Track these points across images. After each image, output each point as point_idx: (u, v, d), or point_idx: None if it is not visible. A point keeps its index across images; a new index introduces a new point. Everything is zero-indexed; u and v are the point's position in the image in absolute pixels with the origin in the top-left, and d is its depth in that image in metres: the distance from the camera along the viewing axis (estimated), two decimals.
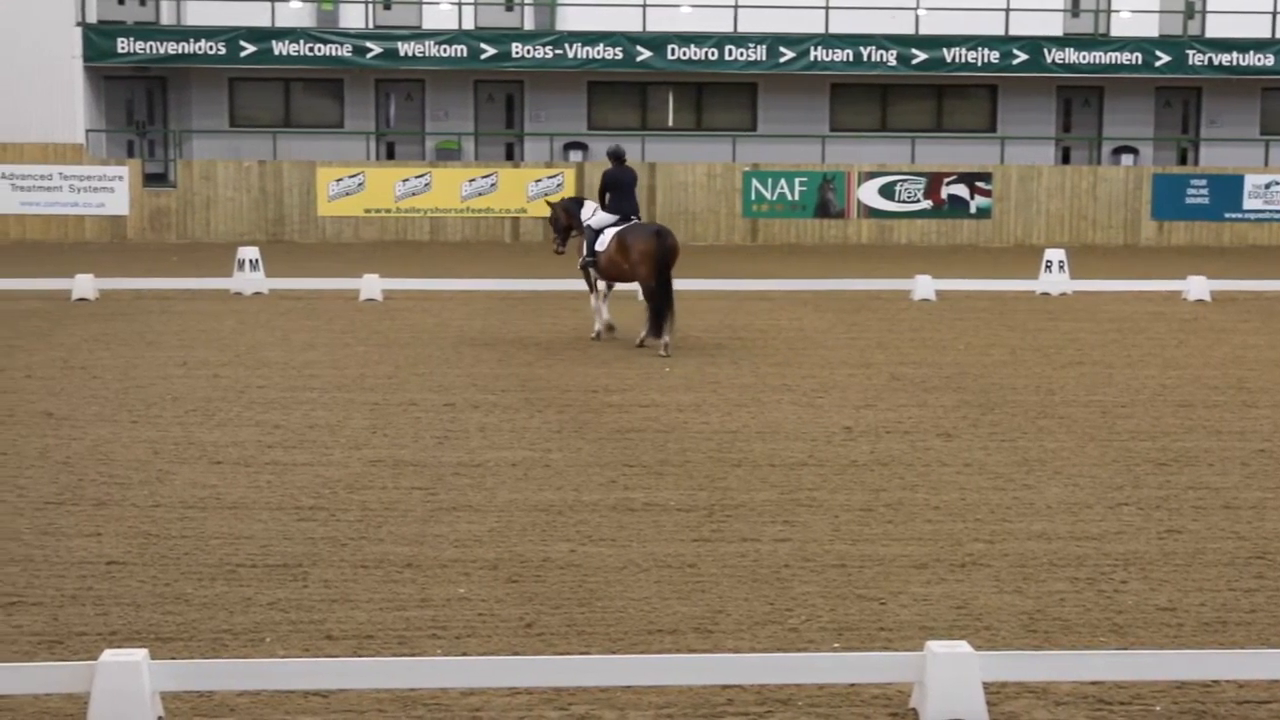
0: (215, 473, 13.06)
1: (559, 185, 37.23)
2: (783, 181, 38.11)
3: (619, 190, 21.19)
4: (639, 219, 21.21)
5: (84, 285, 24.88)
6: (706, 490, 12.53)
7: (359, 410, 15.79)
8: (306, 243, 36.19)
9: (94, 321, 22.31)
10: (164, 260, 31.50)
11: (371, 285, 25.25)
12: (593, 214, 21.32)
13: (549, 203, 22.86)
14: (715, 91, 40.59)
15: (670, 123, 40.84)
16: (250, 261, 26.04)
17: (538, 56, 38.15)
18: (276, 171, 37.11)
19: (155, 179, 37.83)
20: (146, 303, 24.39)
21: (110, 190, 36.67)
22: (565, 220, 21.94)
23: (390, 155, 40.19)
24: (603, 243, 20.70)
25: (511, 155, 40.22)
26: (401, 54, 37.89)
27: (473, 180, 37.46)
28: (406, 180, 37.30)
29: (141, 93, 39.88)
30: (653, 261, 19.80)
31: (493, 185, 37.44)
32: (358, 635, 9.10)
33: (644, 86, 40.45)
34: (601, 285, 21.20)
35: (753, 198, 38.12)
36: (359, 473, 13.08)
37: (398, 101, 40.38)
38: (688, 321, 22.73)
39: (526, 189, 37.36)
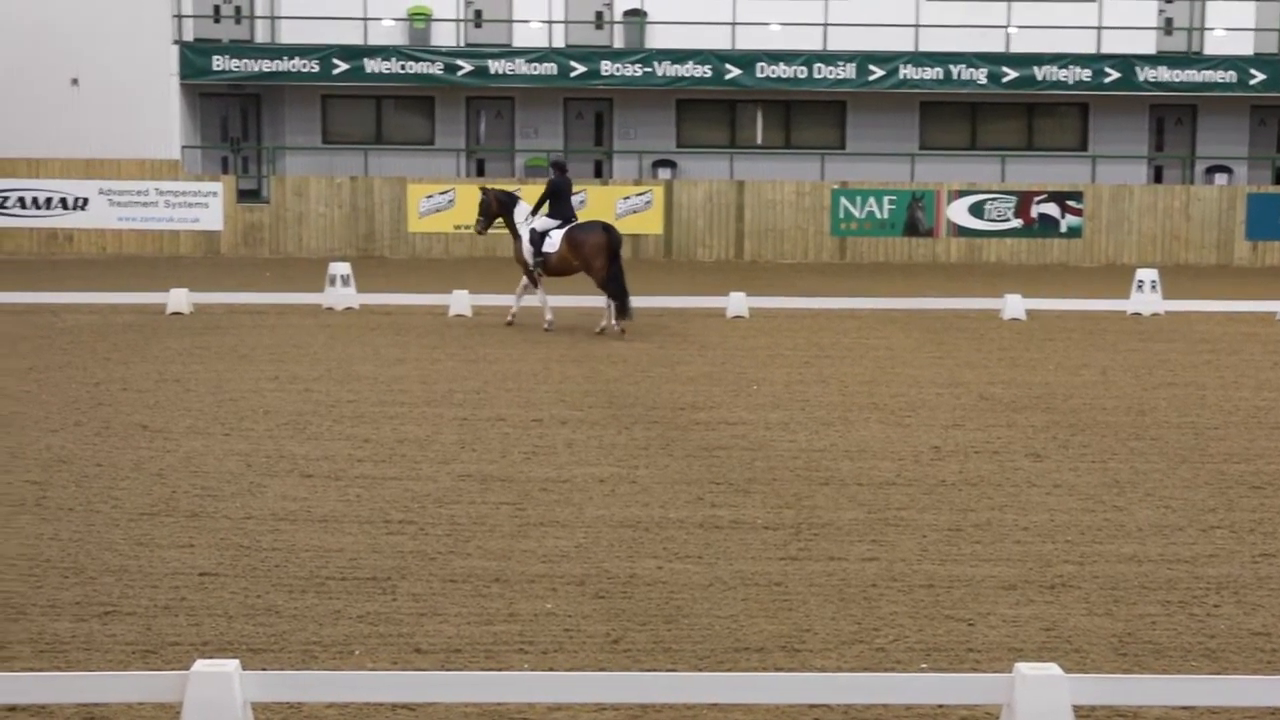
0: (306, 486, 13.16)
1: (647, 203, 37.27)
2: (871, 200, 37.96)
3: (561, 198, 23.69)
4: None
5: (179, 299, 25.16)
6: (793, 508, 12.49)
7: (448, 425, 15.85)
8: (397, 258, 36.43)
9: (188, 335, 22.56)
10: (257, 275, 31.80)
11: (461, 301, 25.37)
12: (526, 217, 23.79)
13: (483, 189, 24.84)
14: (804, 109, 40.51)
15: (759, 140, 40.79)
16: (341, 277, 26.24)
17: (627, 74, 38.24)
18: (368, 187, 37.39)
19: (249, 195, 38.21)
20: (240, 317, 24.63)
21: (205, 206, 37.10)
22: (496, 210, 24.27)
23: (480, 172, 40.38)
24: (552, 244, 23.19)
25: (600, 172, 40.31)
26: (492, 71, 38.09)
27: None
28: None
29: (236, 110, 40.32)
30: (605, 254, 22.74)
31: (581, 202, 37.51)
32: (445, 649, 9.13)
33: (733, 104, 40.43)
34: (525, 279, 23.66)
35: (841, 216, 37.99)
36: (448, 487, 13.13)
37: (488, 119, 40.59)
38: (776, 340, 22.70)
39: (615, 206, 37.41)
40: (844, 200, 37.93)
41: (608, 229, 23.32)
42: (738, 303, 25.60)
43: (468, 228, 36.94)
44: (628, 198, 37.50)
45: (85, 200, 36.98)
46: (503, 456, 14.40)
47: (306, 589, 10.22)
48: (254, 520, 11.98)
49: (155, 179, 37.07)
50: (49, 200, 37.09)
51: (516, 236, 24.13)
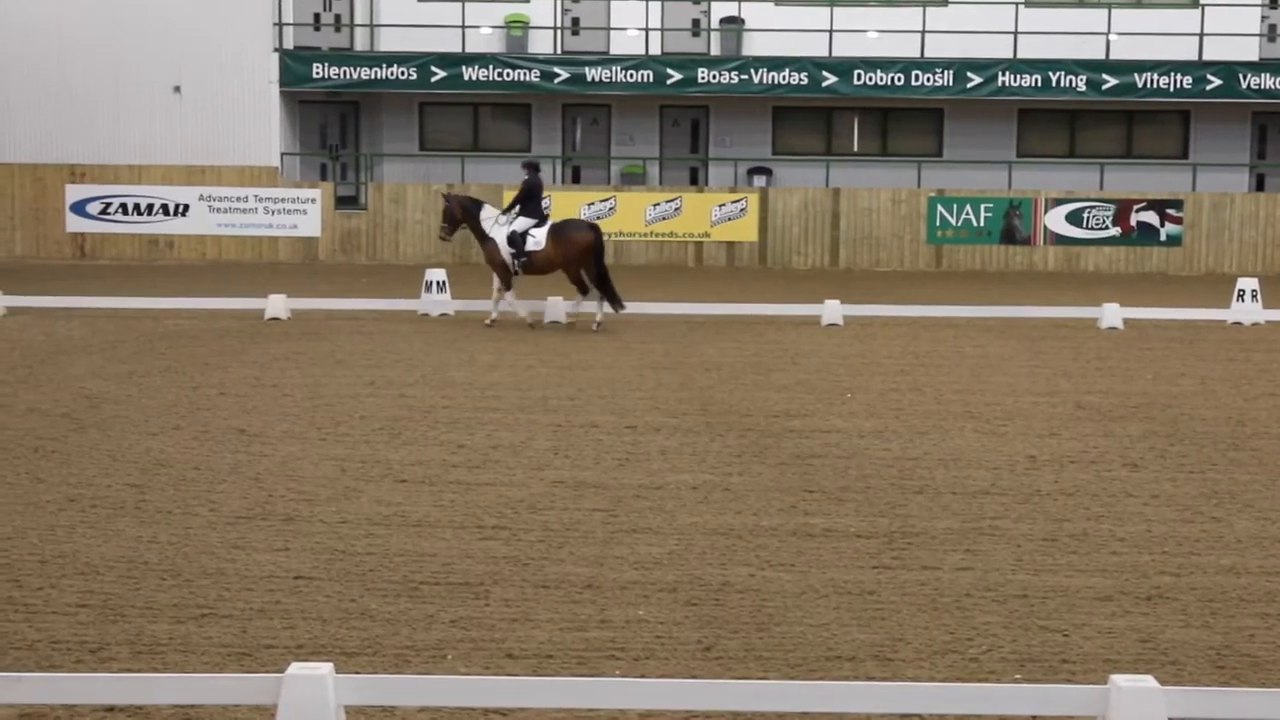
0: (401, 491, 13.24)
1: (742, 210, 37.23)
2: (968, 207, 37.71)
3: (534, 198, 24.71)
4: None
5: (277, 305, 25.41)
6: (887, 517, 12.42)
7: (542, 431, 15.90)
8: None
9: (286, 340, 22.78)
10: (354, 281, 32.06)
11: (556, 308, 25.45)
12: (497, 219, 24.76)
13: (445, 195, 25.85)
14: (901, 117, 40.32)
15: (855, 148, 40.65)
16: (437, 283, 26.41)
17: (723, 82, 38.23)
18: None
19: (346, 201, 38.55)
20: (337, 323, 24.84)
21: (303, 212, 37.48)
22: (460, 216, 25.19)
23: (576, 179, 40.53)
24: (536, 243, 24.34)
25: (696, 180, 40.33)
26: (589, 79, 38.22)
27: (657, 204, 37.62)
28: (592, 204, 37.57)
29: (335, 117, 40.69)
30: (593, 253, 24.15)
31: (677, 209, 37.56)
32: (537, 654, 9.15)
33: (829, 112, 40.32)
34: (495, 281, 24.75)
35: (937, 224, 37.78)
36: (541, 493, 13.17)
37: (584, 126, 40.73)
38: (870, 348, 22.60)
39: (710, 213, 37.42)
40: (940, 208, 37.71)
41: (594, 228, 24.77)
42: (833, 310, 25.51)
43: None
44: (723, 205, 37.49)
45: (186, 207, 37.47)
46: (596, 463, 14.41)
47: (400, 593, 10.28)
48: (349, 524, 12.07)
49: (254, 186, 37.50)
50: (150, 206, 37.62)
51: (485, 240, 24.94)
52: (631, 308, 25.76)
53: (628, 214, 37.50)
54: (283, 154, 38.14)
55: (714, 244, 37.46)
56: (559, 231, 24.59)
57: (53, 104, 37.81)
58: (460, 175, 38.89)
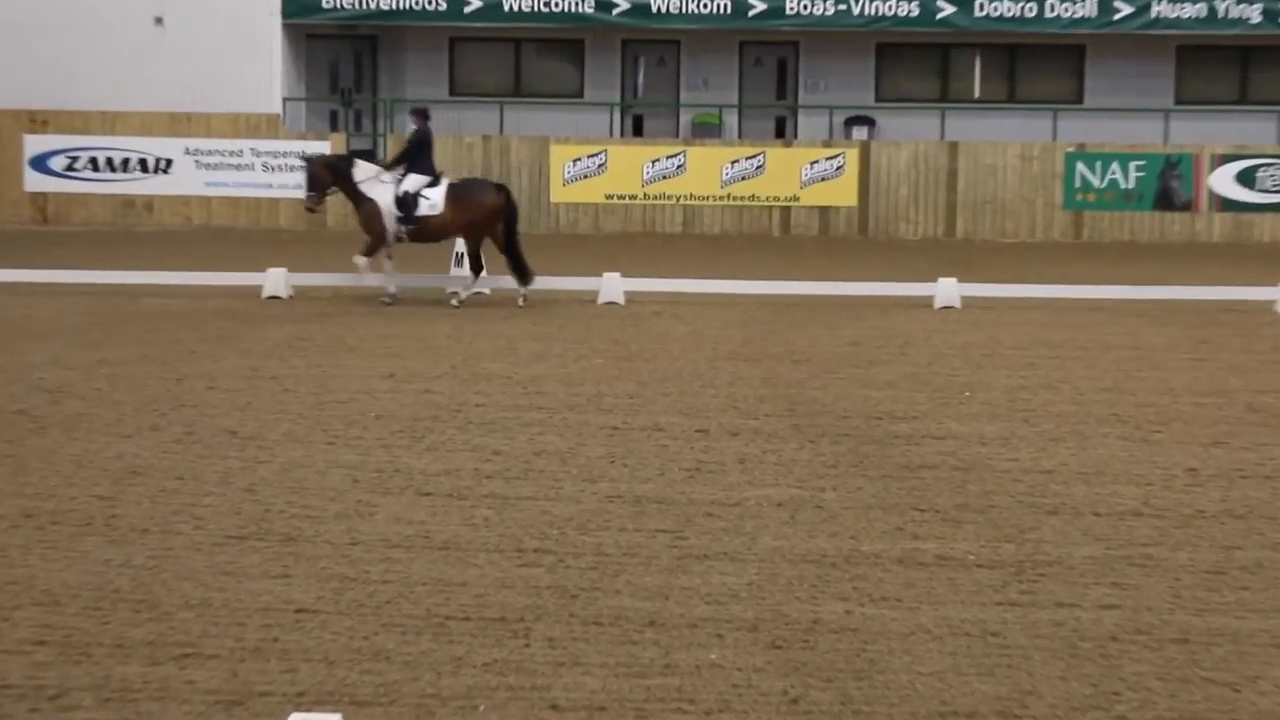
0: (424, 506, 13.24)
1: (838, 168, 37.15)
2: (1115, 165, 37.50)
3: (426, 152, 25.29)
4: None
5: (276, 281, 25.52)
6: (1014, 542, 12.34)
7: (594, 435, 15.88)
8: (536, 233, 36.66)
9: (287, 323, 22.87)
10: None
11: (612, 286, 25.44)
12: (376, 176, 25.13)
13: (306, 157, 26.20)
14: (1033, 55, 40.11)
15: (976, 93, 40.48)
16: (470, 255, 26.44)
17: (816, 13, 38.15)
18: (503, 149, 37.70)
19: (361, 156, 38.67)
20: (348, 303, 24.92)
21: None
22: (328, 179, 25.29)
23: (638, 131, 40.53)
24: (431, 205, 24.88)
25: (782, 132, 40.28)
26: (653, 10, 38.20)
27: (735, 162, 37.59)
28: (656, 161, 37.58)
29: (348, 55, 40.85)
30: (501, 217, 24.84)
31: (759, 168, 37.52)
32: (588, 706, 9.12)
33: (945, 49, 40.16)
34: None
35: (1077, 185, 37.57)
36: (593, 510, 13.14)
37: (648, 67, 40.72)
38: (994, 335, 22.49)
39: (800, 173, 37.37)
40: (1081, 166, 37.50)
41: (502, 188, 25.43)
42: (947, 290, 25.41)
43: (621, 198, 37.06)
44: (815, 162, 37.42)
45: (168, 162, 37.71)
46: (660, 474, 14.38)
47: (423, 630, 10.27)
48: (361, 546, 12.07)
49: (251, 137, 37.69)
50: (126, 162, 37.85)
51: (360, 201, 25.21)
52: (702, 285, 25.71)
53: (700, 173, 37.48)
54: (285, 99, 38.32)
55: (804, 209, 37.40)
56: (460, 192, 25.27)
57: (8, 35, 38.06)
58: (498, 125, 38.97)
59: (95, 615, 10.48)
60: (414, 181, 25.04)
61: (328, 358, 20.16)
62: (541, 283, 26.23)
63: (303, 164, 26.07)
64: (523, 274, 25.08)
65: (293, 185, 37.47)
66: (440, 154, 37.41)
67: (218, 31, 38.05)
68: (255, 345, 21.05)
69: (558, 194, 37.40)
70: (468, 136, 38.00)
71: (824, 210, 37.35)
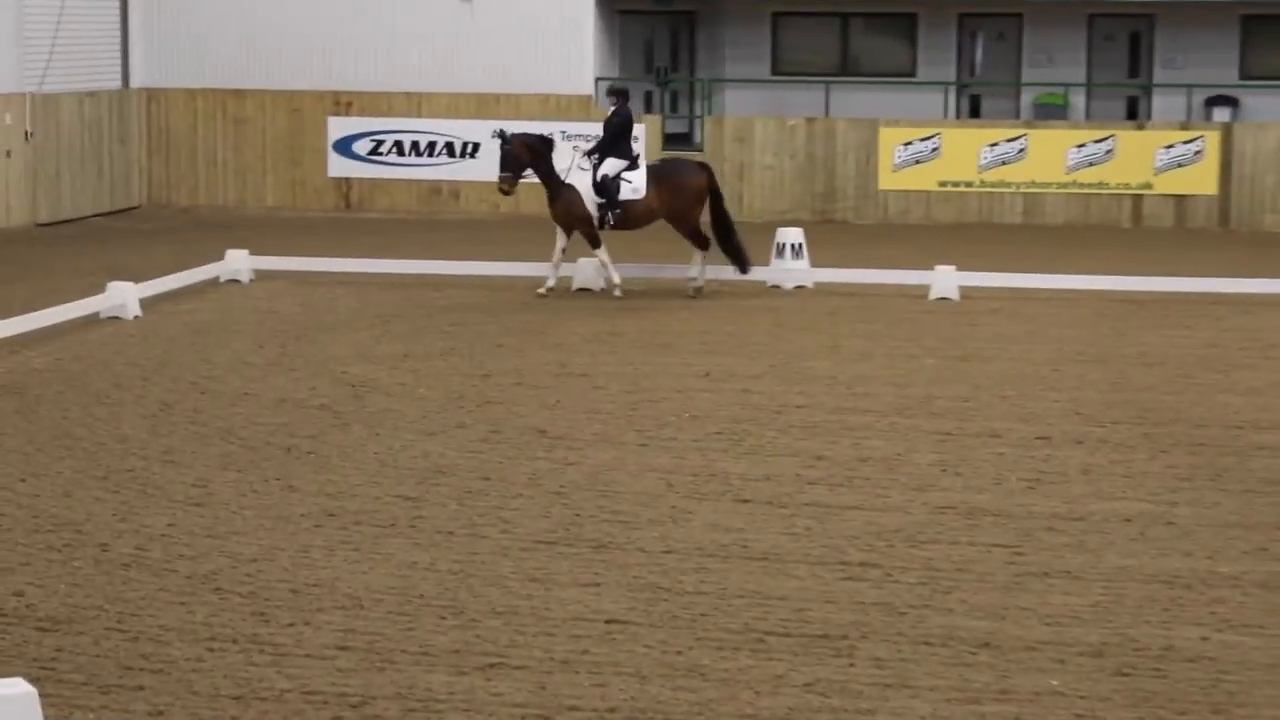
0: (741, 513, 13.31)
1: (1197, 153, 36.44)
2: None
3: (626, 135, 25.33)
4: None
5: (586, 272, 25.75)
6: None
7: (924, 441, 15.82)
8: (863, 223, 36.55)
9: (598, 317, 23.11)
10: (681, 242, 32.34)
11: (945, 280, 25.27)
12: (574, 162, 25.00)
13: (504, 135, 25.45)
14: None
15: None
16: (792, 246, 26.47)
17: None
18: (828, 132, 37.63)
19: (677, 140, 38.88)
20: (661, 295, 25.09)
21: None
22: (527, 160, 25.14)
23: (974, 113, 40.19)
24: (635, 190, 24.80)
25: (1134, 113, 39.60)
26: None
27: (1082, 146, 37.05)
28: (995, 145, 37.22)
29: (664, 32, 41.15)
30: (709, 198, 24.99)
31: (1108, 153, 36.94)
32: None
33: None
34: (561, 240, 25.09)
35: None
36: (923, 522, 13.10)
37: (986, 43, 40.37)
38: None
39: (1154, 158, 36.71)
40: None
41: (705, 167, 25.67)
42: None
43: (956, 185, 36.80)
44: (1170, 146, 36.72)
45: (475, 146, 38.24)
46: (996, 484, 14.29)
47: (740, 646, 10.34)
48: (675, 555, 12.19)
49: (563, 119, 38.07)
50: (432, 146, 38.49)
51: (557, 187, 24.99)
52: (1044, 280, 25.38)
53: (1043, 158, 37.01)
54: (597, 79, 38.69)
55: (1158, 198, 36.74)
56: (663, 174, 25.38)
57: (313, 15, 38.96)
58: (823, 106, 38.93)
59: (399, 621, 10.75)
60: (613, 165, 25.01)
61: (640, 354, 20.35)
62: (869, 277, 26.12)
63: (499, 141, 25.73)
64: (740, 260, 25.18)
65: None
66: (761, 137, 37.60)
67: (528, 10, 38.49)
68: (564, 339, 21.33)
69: (886, 180, 37.20)
70: (790, 119, 37.99)
71: (1180, 199, 36.64)
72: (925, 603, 11.18)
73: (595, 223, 24.96)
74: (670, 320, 22.91)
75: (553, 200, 25.30)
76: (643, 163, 25.55)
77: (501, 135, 25.51)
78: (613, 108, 25.70)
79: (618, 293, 24.85)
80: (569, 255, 25.10)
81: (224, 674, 9.79)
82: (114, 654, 10.14)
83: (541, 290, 24.85)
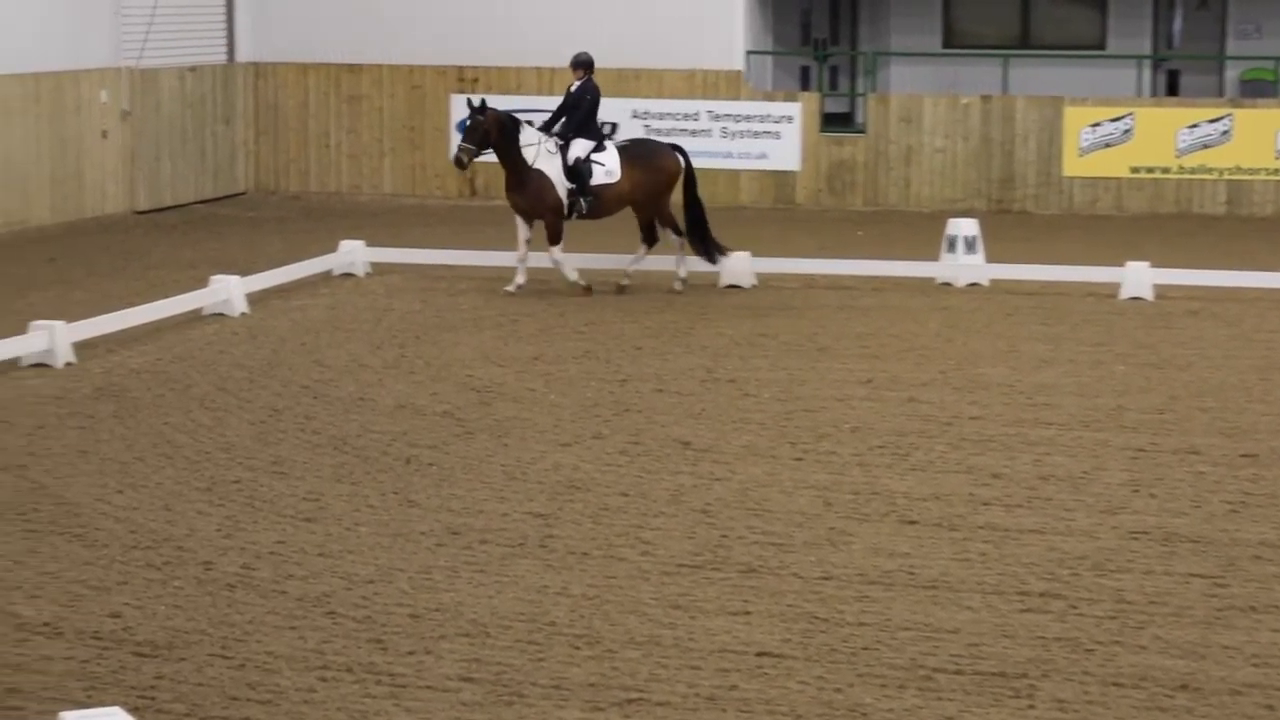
0: (907, 536, 13.29)
1: None
2: None
3: (594, 111, 25.38)
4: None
5: (737, 268, 25.70)
6: None
7: (1114, 458, 15.73)
8: (1045, 213, 36.36)
9: (748, 317, 23.10)
10: (846, 235, 32.33)
11: (1138, 278, 25.09)
12: (540, 144, 24.67)
13: (473, 106, 24.94)
14: None
15: None
16: (965, 239, 26.37)
17: None
18: (1006, 111, 37.44)
19: (836, 120, 38.82)
20: (819, 294, 25.05)
21: (775, 136, 37.87)
22: (495, 137, 24.68)
23: (1172, 90, 39.89)
24: (609, 173, 24.59)
25: None
26: None
27: None
28: (1195, 126, 36.91)
29: (823, 2, 41.09)
30: (684, 184, 24.89)
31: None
32: None
33: None
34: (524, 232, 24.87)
35: None
36: (1113, 548, 13.03)
37: (1186, 12, 40.07)
38: None
39: None
40: None
41: (678, 149, 25.64)
42: None
43: (1151, 170, 36.54)
44: None
45: (613, 126, 38.34)
46: (1196, 507, 14.18)
47: (906, 684, 10.32)
48: (834, 582, 12.18)
49: (709, 98, 38.11)
50: None
51: (524, 172, 24.51)
52: (1250, 279, 25.12)
53: (1250, 141, 36.66)
54: (748, 53, 38.69)
55: None
56: (635, 156, 25.22)
57: None
58: (1000, 83, 38.75)
59: (529, 650, 10.81)
60: (582, 146, 24.85)
61: (795, 359, 20.33)
62: (1052, 274, 25.93)
63: (473, 110, 25.10)
64: (709, 250, 25.13)
65: (755, 155, 37.85)
66: (930, 117, 37.47)
67: None
68: (711, 341, 21.33)
69: (1071, 166, 36.96)
70: (964, 96, 37.81)
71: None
72: (1115, 639, 11.12)
73: (562, 212, 24.68)
74: (828, 321, 22.87)
75: (518, 187, 24.79)
76: (609, 143, 25.38)
77: (480, 104, 25.10)
78: (578, 82, 25.35)
79: (579, 281, 24.76)
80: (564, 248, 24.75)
81: (337, 706, 9.89)
82: (218, 682, 10.26)
83: (510, 288, 24.74)
